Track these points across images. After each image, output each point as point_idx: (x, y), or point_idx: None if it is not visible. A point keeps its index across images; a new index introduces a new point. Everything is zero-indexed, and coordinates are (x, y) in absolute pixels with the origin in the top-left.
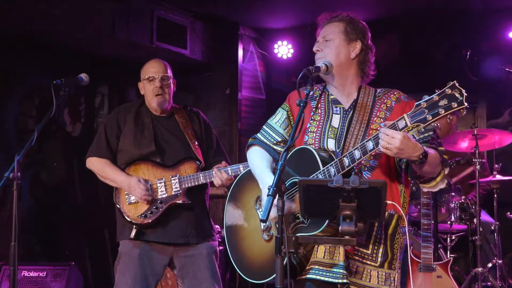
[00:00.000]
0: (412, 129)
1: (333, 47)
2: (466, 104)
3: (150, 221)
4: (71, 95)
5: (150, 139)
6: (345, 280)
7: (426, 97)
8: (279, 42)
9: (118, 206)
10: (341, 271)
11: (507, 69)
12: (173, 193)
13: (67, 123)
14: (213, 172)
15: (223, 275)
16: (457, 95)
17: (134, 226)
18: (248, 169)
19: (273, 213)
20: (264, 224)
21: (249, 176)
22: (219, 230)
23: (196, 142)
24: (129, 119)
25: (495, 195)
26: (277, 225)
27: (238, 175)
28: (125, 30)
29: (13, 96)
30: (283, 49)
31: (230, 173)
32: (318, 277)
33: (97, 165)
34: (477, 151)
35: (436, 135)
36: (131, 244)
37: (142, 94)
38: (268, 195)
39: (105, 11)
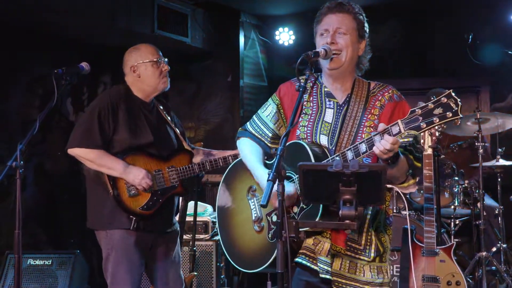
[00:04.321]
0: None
1: (349, 42)
2: (460, 115)
3: (151, 212)
4: (74, 84)
5: (146, 129)
6: (325, 275)
7: (422, 104)
8: (281, 29)
9: (117, 196)
10: (324, 266)
11: (510, 52)
12: (170, 184)
13: (70, 112)
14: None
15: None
16: (452, 105)
17: (135, 218)
18: (240, 158)
19: (290, 187)
20: (255, 215)
21: (242, 166)
22: None
23: (177, 131)
24: (122, 107)
25: (499, 179)
26: (267, 217)
27: None
28: (126, 19)
29: (16, 86)
30: (285, 36)
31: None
32: (304, 262)
33: (89, 154)
34: (480, 135)
35: (417, 144)
36: (126, 233)
37: (131, 80)
38: (268, 180)
39: (106, 0)
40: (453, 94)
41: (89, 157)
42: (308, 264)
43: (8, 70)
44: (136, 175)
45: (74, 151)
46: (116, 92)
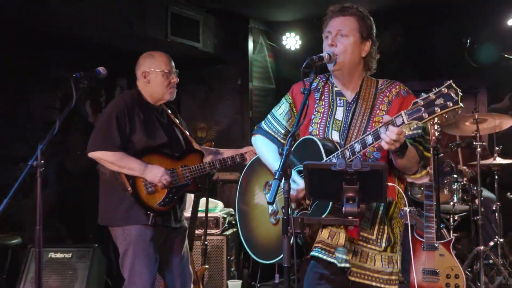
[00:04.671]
0: (407, 125)
1: (348, 44)
2: (461, 104)
3: (167, 208)
4: (92, 88)
5: (160, 131)
6: (344, 265)
7: (424, 95)
8: (287, 34)
9: (136, 194)
10: (342, 255)
11: (506, 56)
12: (184, 182)
13: (89, 114)
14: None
15: (237, 256)
16: (453, 95)
17: (153, 214)
18: (257, 156)
19: (296, 186)
20: (271, 208)
21: (259, 162)
22: None
23: (187, 132)
24: (136, 111)
25: (496, 177)
26: (283, 210)
27: None
28: (141, 26)
29: (38, 89)
30: (291, 41)
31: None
32: (320, 256)
33: (110, 156)
34: (478, 135)
35: (426, 135)
36: (143, 229)
37: (141, 84)
38: (274, 179)
39: (122, 8)
40: (453, 84)
41: (110, 159)
42: (325, 257)
43: (30, 74)
44: (156, 174)
45: (95, 154)
46: (130, 97)
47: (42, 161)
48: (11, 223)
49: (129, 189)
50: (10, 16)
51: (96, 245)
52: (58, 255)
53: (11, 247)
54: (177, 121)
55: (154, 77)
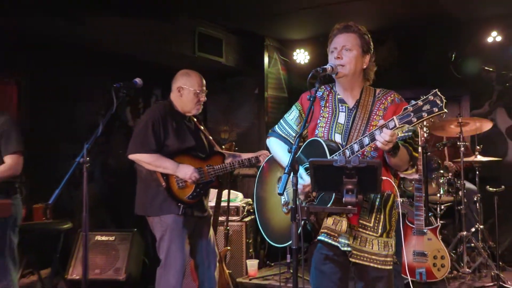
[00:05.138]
0: (399, 128)
1: (352, 57)
2: (445, 109)
3: (195, 201)
4: (131, 96)
5: (189, 136)
6: (346, 248)
7: (413, 102)
8: (297, 50)
9: (169, 188)
10: (344, 240)
11: (485, 68)
12: (209, 179)
13: (129, 119)
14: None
15: (255, 239)
16: (438, 102)
17: (183, 206)
18: (271, 155)
19: (303, 182)
20: (283, 199)
21: (273, 161)
22: None
23: (210, 137)
24: (169, 119)
25: (477, 172)
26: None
27: None
28: (173, 43)
29: (85, 98)
30: (301, 56)
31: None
32: (326, 240)
33: (147, 158)
34: (461, 136)
35: (415, 137)
36: (176, 217)
37: (175, 96)
38: (284, 173)
39: (158, 29)
40: (438, 92)
41: (148, 160)
42: (329, 241)
43: (77, 85)
44: (186, 172)
45: (135, 157)
46: (163, 107)
47: (88, 158)
48: (63, 211)
49: (163, 184)
50: (62, 36)
51: (135, 229)
52: (103, 238)
53: (63, 231)
54: (202, 127)
55: (187, 94)
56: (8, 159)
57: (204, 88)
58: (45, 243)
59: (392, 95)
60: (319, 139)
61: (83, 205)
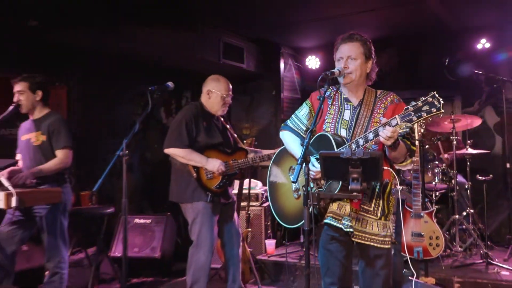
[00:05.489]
0: (400, 126)
1: (358, 65)
2: (442, 110)
3: (222, 190)
4: (165, 98)
5: (217, 133)
6: (349, 229)
7: (413, 103)
8: (310, 57)
9: (199, 179)
10: (347, 222)
11: (475, 71)
12: (233, 171)
13: (162, 117)
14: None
15: (273, 222)
16: (436, 103)
17: (211, 194)
18: (283, 146)
19: (315, 169)
20: (294, 186)
21: (285, 152)
22: None
23: (235, 135)
24: (199, 118)
25: (468, 163)
26: (303, 188)
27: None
28: (201, 51)
29: (124, 101)
30: (313, 62)
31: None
32: (331, 222)
33: (181, 152)
34: (454, 131)
35: (412, 133)
36: (206, 204)
37: (205, 98)
38: (297, 164)
39: (187, 39)
40: (436, 95)
41: (181, 154)
42: (334, 223)
43: (117, 89)
44: (214, 164)
45: (170, 151)
46: (195, 107)
47: (127, 152)
48: (106, 197)
49: (194, 175)
50: (104, 46)
51: (169, 213)
52: (141, 221)
53: (107, 215)
54: (228, 126)
55: (215, 97)
56: (59, 153)
57: (230, 92)
58: (91, 225)
59: (391, 96)
60: (327, 133)
61: (123, 192)
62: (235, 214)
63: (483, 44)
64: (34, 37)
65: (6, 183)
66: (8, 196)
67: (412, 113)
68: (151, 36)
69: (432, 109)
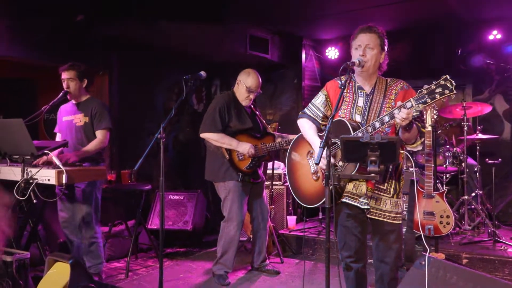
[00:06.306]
0: (414, 108)
1: (374, 55)
2: (455, 91)
3: (251, 170)
4: (197, 86)
5: (247, 119)
6: (366, 206)
7: (426, 86)
8: (329, 48)
9: (231, 160)
10: (364, 200)
11: (486, 61)
12: (262, 154)
13: (194, 103)
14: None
15: (293, 200)
16: (448, 85)
17: (241, 174)
18: (300, 133)
19: (322, 164)
20: (313, 169)
21: (302, 138)
22: None
23: (264, 121)
24: (231, 106)
25: (478, 147)
26: (321, 170)
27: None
28: (230, 43)
29: (161, 89)
30: (332, 53)
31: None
32: (348, 201)
33: (215, 136)
34: (465, 118)
35: (422, 116)
36: (237, 183)
37: (236, 87)
38: (320, 147)
39: (217, 32)
40: (448, 77)
41: (215, 138)
42: (350, 202)
43: (155, 78)
44: (245, 148)
45: (205, 135)
46: (228, 96)
47: (164, 135)
48: (144, 175)
49: (227, 157)
50: (143, 38)
51: (200, 190)
52: (175, 197)
53: (144, 191)
54: (257, 112)
55: (241, 87)
56: (99, 134)
57: (256, 88)
58: (131, 200)
59: (401, 83)
60: (343, 119)
61: (161, 171)
62: (264, 192)
63: (494, 35)
64: (80, 30)
65: (57, 162)
66: (59, 173)
67: (426, 96)
68: (185, 30)
69: (445, 90)
